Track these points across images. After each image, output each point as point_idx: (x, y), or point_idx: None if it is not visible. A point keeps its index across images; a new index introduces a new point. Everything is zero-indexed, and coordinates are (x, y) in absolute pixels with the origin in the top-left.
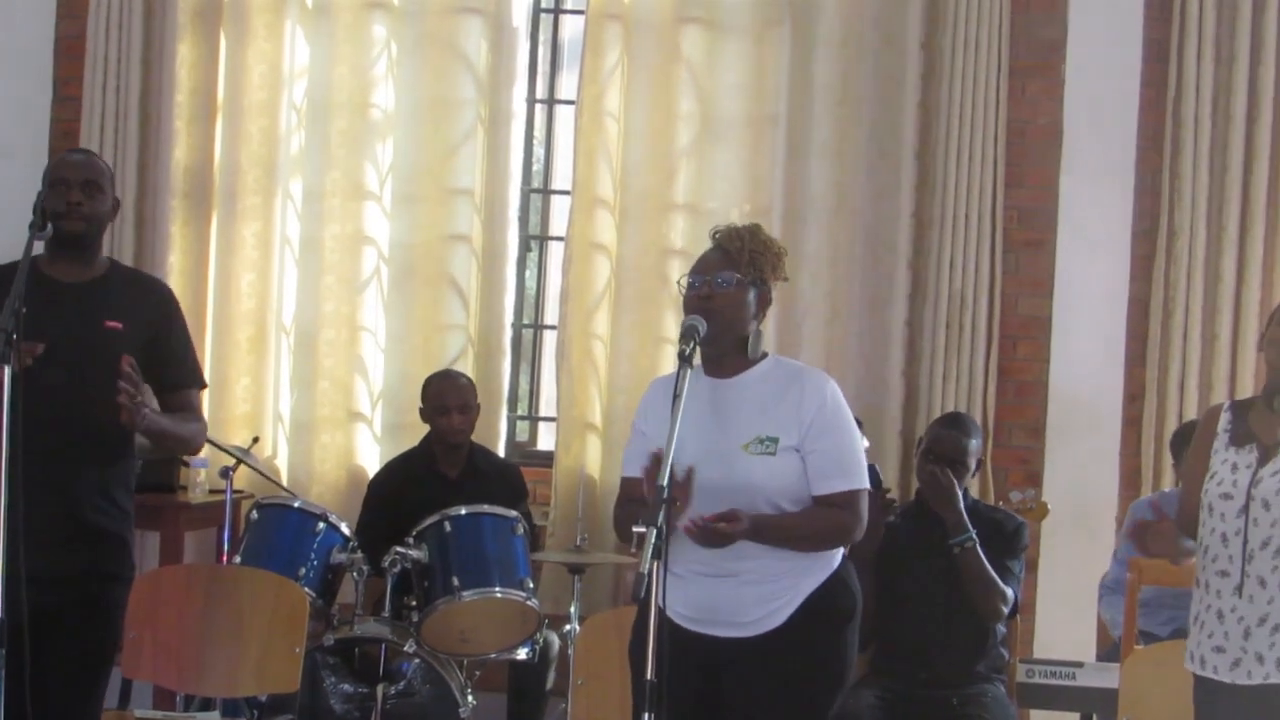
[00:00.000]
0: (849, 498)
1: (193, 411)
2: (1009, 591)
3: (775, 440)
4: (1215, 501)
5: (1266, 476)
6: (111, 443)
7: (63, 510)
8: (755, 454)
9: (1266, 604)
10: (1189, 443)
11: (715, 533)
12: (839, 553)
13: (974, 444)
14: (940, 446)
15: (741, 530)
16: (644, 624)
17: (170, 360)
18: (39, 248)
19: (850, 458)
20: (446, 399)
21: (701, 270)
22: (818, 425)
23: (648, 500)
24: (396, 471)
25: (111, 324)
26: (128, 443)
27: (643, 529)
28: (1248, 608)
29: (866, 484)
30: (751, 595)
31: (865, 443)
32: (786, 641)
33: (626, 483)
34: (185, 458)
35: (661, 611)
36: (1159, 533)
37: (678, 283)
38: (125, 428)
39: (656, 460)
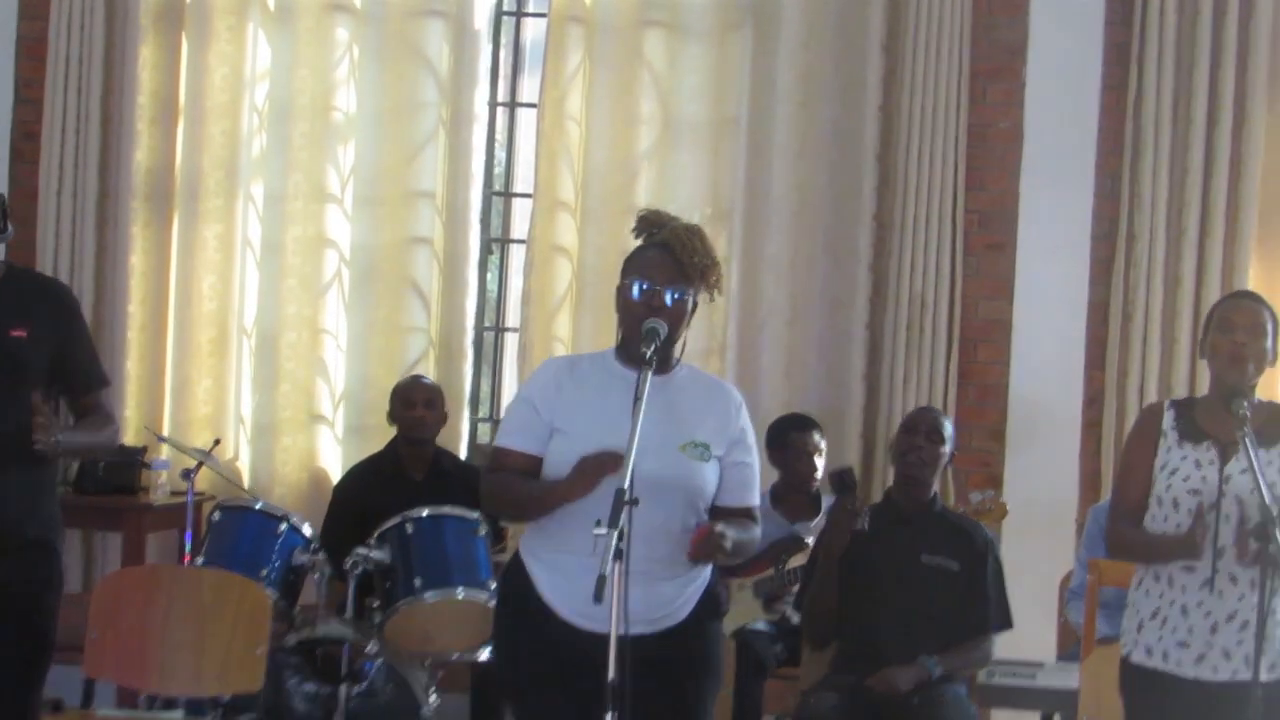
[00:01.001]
0: (754, 512)
1: (103, 413)
2: (989, 647)
3: (708, 447)
4: (1182, 497)
5: (1236, 474)
6: (28, 451)
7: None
8: (691, 457)
9: (1237, 600)
10: None
11: (713, 547)
12: None
13: (948, 424)
14: (918, 421)
15: (730, 544)
16: (520, 629)
17: (78, 366)
18: None
19: (757, 475)
20: (413, 394)
21: (652, 277)
22: (742, 443)
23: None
24: (362, 475)
25: (16, 332)
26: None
27: (602, 531)
28: (1217, 603)
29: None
30: (662, 593)
31: (823, 444)
32: (684, 638)
33: (503, 454)
34: (146, 460)
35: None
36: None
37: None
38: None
39: (611, 460)
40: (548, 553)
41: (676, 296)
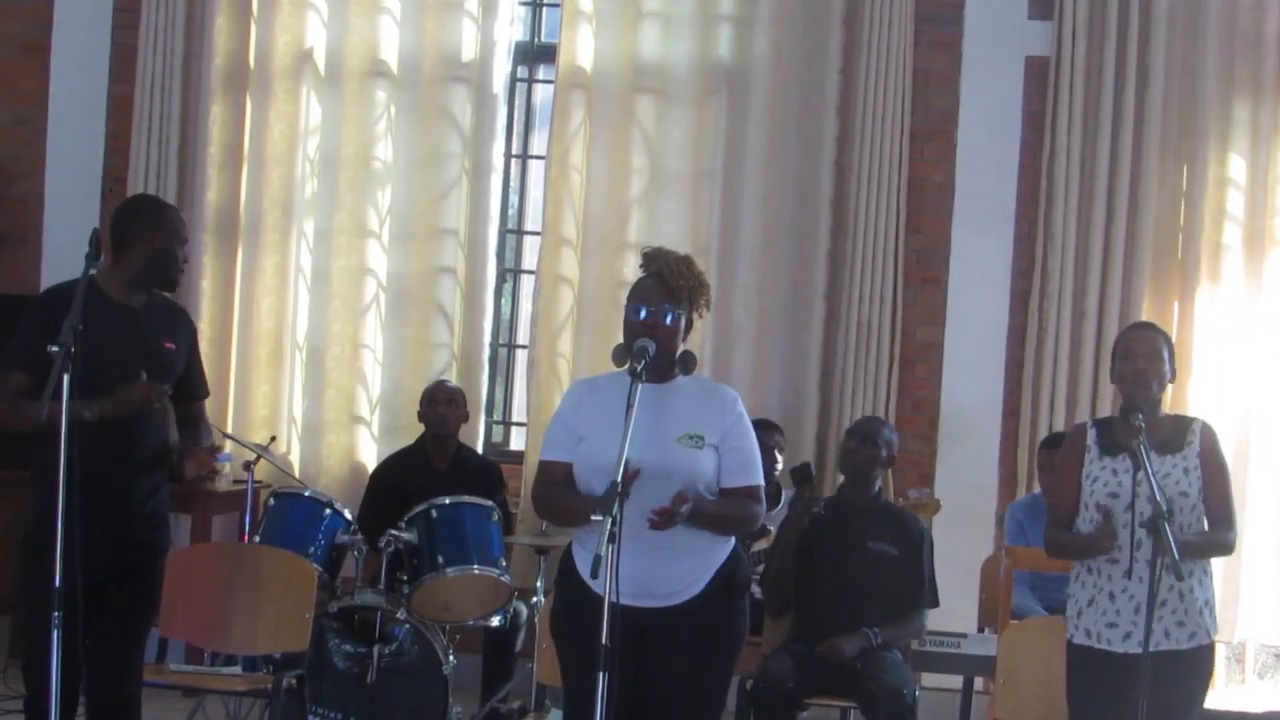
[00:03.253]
0: (755, 491)
1: (205, 420)
2: (922, 621)
3: (702, 438)
4: (1104, 500)
5: (1144, 478)
6: (165, 445)
7: (129, 495)
8: (686, 447)
9: (1159, 582)
10: (1051, 448)
11: (669, 514)
12: None
13: (886, 431)
14: (859, 427)
15: (688, 509)
16: (568, 602)
17: (194, 375)
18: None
19: (755, 460)
20: (437, 394)
21: (646, 300)
22: (735, 432)
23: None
24: (394, 465)
25: (168, 344)
26: (168, 443)
27: (599, 517)
28: (1137, 587)
29: (764, 481)
30: (677, 569)
31: (783, 442)
32: (701, 609)
33: (546, 466)
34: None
35: (615, 585)
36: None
37: (632, 310)
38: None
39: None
40: (581, 538)
41: (671, 315)
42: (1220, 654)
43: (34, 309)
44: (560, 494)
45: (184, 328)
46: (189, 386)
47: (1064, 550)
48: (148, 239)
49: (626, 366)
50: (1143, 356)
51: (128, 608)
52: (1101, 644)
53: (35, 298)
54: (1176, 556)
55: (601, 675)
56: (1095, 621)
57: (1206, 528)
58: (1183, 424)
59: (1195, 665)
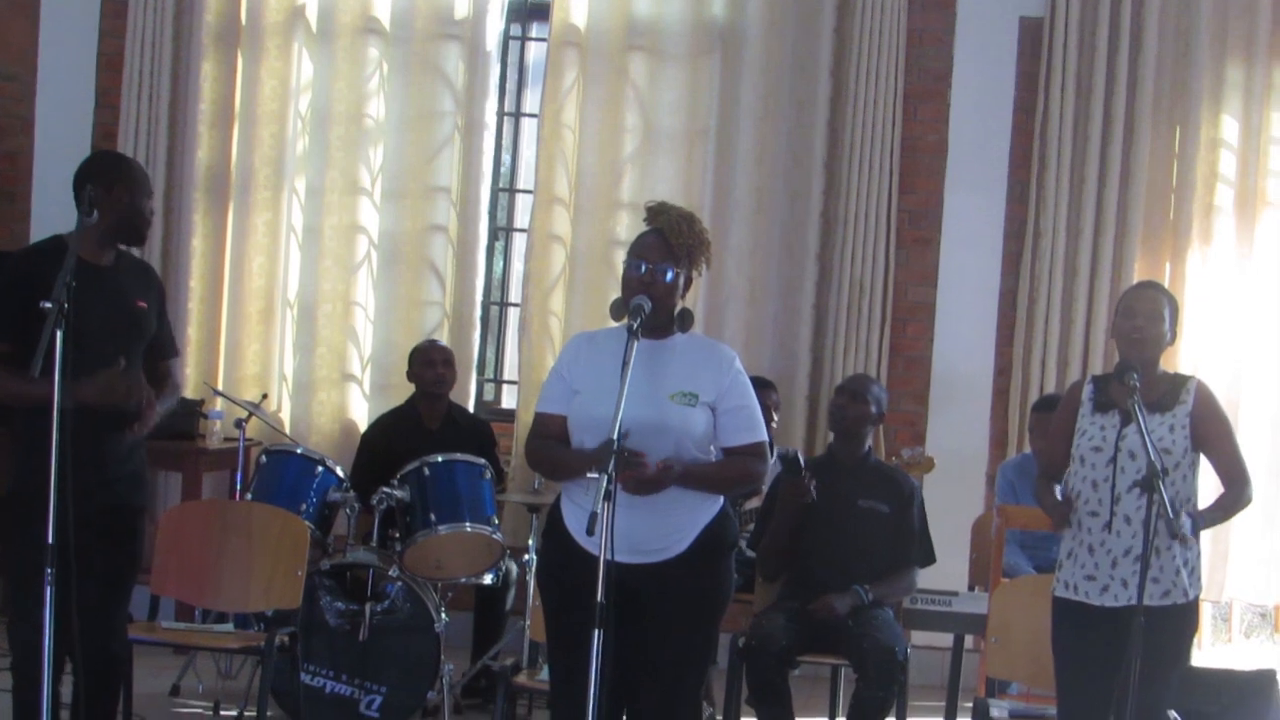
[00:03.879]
0: (758, 448)
1: (172, 382)
2: (913, 578)
3: (696, 396)
4: (1087, 454)
5: (1130, 434)
6: (139, 405)
7: (103, 456)
8: (679, 404)
9: (1131, 538)
10: (1043, 410)
11: (651, 480)
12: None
13: (876, 388)
14: (849, 385)
15: (674, 476)
16: (556, 557)
17: (163, 333)
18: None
19: (756, 417)
20: (432, 354)
21: (644, 256)
22: (733, 391)
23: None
24: (386, 424)
25: (140, 303)
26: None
27: (595, 475)
28: (1115, 541)
29: (766, 437)
30: (662, 525)
31: (777, 399)
32: (687, 567)
33: (540, 418)
34: (203, 410)
35: (611, 543)
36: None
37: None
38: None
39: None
40: (570, 494)
41: (670, 274)
42: (1207, 613)
43: (5, 274)
44: (552, 448)
45: (154, 285)
46: (158, 344)
47: (1042, 506)
48: (120, 194)
49: (623, 322)
50: (1142, 315)
51: (108, 569)
52: (1079, 596)
53: (5, 263)
54: (1170, 515)
55: (597, 632)
56: (1074, 574)
57: (1188, 487)
58: (1178, 382)
59: (1169, 623)
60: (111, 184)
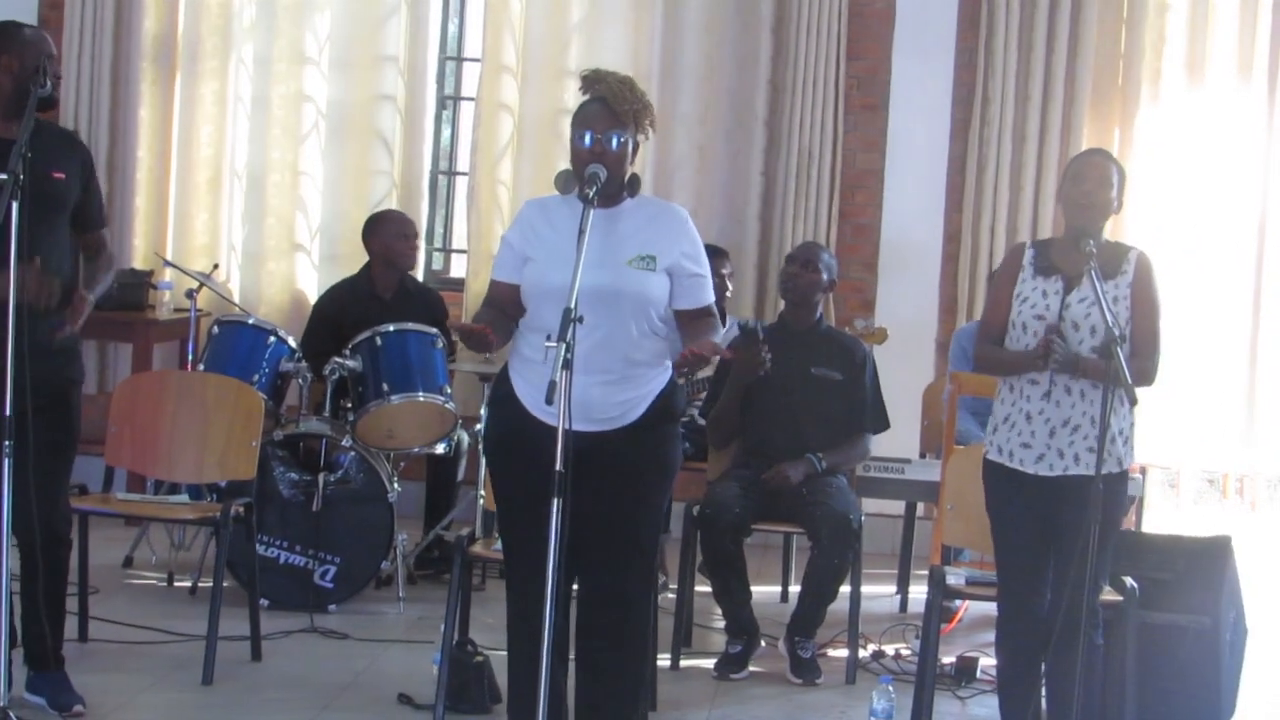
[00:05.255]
0: (711, 309)
1: (106, 250)
2: (866, 445)
3: (654, 259)
4: (1029, 321)
5: (1074, 302)
6: (67, 275)
7: (31, 333)
8: (637, 269)
9: (1070, 409)
10: None
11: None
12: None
13: (826, 256)
14: (799, 253)
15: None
16: (504, 426)
17: (91, 203)
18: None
19: (708, 279)
20: (407, 229)
21: (590, 125)
22: (689, 255)
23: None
24: (338, 294)
25: (56, 174)
26: (76, 274)
27: (552, 344)
28: (1054, 411)
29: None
30: (616, 394)
31: (729, 269)
32: (638, 435)
33: (492, 284)
34: (153, 281)
35: (568, 412)
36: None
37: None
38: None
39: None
40: (521, 363)
41: (619, 140)
42: (1156, 480)
43: None
44: (489, 315)
45: (76, 155)
46: (85, 215)
47: (993, 366)
48: (7, 63)
49: (576, 192)
50: (1091, 180)
51: (45, 444)
52: (1014, 463)
53: None
54: (1129, 381)
55: (555, 501)
56: (1009, 440)
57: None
58: (1120, 251)
59: (1106, 490)
60: (3, 53)
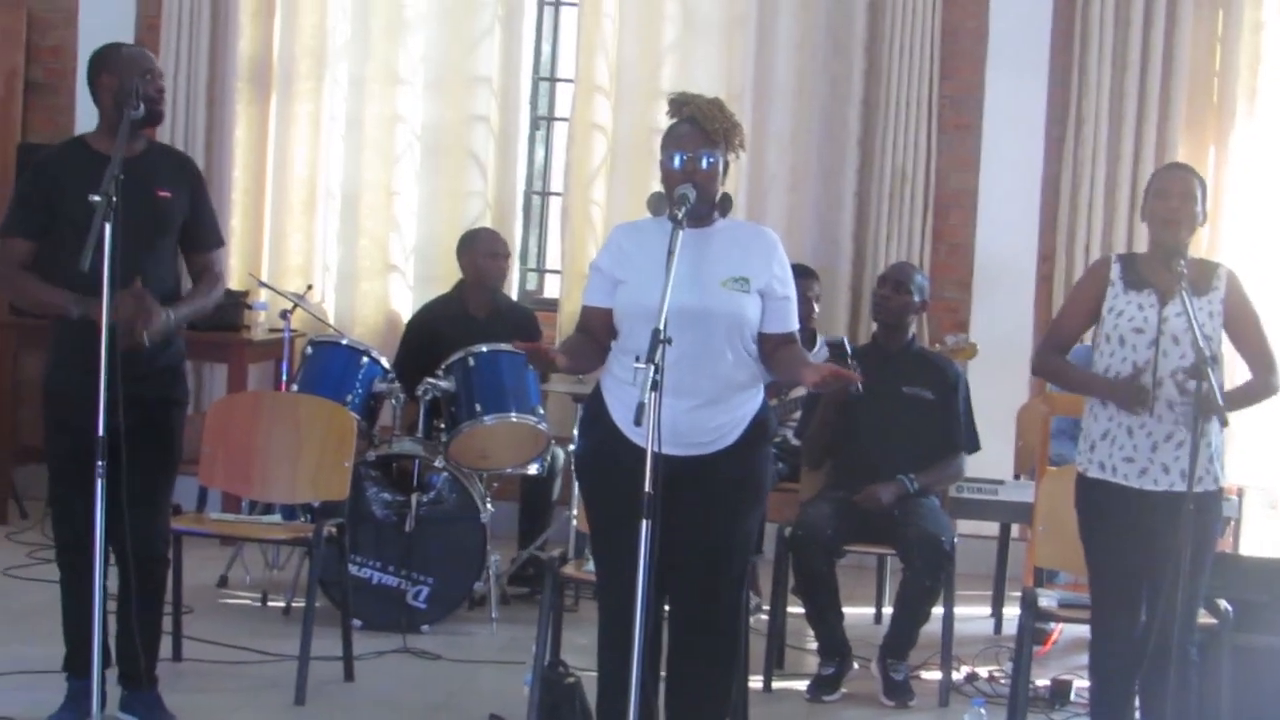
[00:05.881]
0: (795, 335)
1: (213, 273)
2: (960, 465)
3: (747, 280)
4: (1127, 334)
5: (1171, 316)
6: (167, 295)
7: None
8: (731, 290)
9: (1172, 424)
10: None
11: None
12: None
13: (919, 277)
14: (892, 274)
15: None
16: (598, 447)
17: (201, 224)
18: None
19: (795, 306)
20: (497, 246)
21: (682, 147)
22: (780, 279)
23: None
24: (432, 313)
25: (163, 193)
26: (177, 294)
27: (641, 365)
28: (1156, 425)
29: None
30: (712, 418)
31: (818, 289)
32: (733, 458)
33: (584, 310)
34: (248, 302)
35: (658, 434)
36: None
37: (669, 159)
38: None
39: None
40: (614, 384)
41: (709, 160)
42: (1255, 500)
43: (28, 173)
44: (575, 340)
45: (185, 175)
46: (195, 236)
47: (1062, 378)
48: (108, 82)
49: (666, 214)
50: (1176, 196)
51: (146, 465)
52: (1117, 478)
53: (29, 164)
54: (1220, 401)
55: (645, 523)
56: (1111, 455)
57: (1219, 372)
58: (1207, 268)
59: (1202, 508)
60: (97, 75)
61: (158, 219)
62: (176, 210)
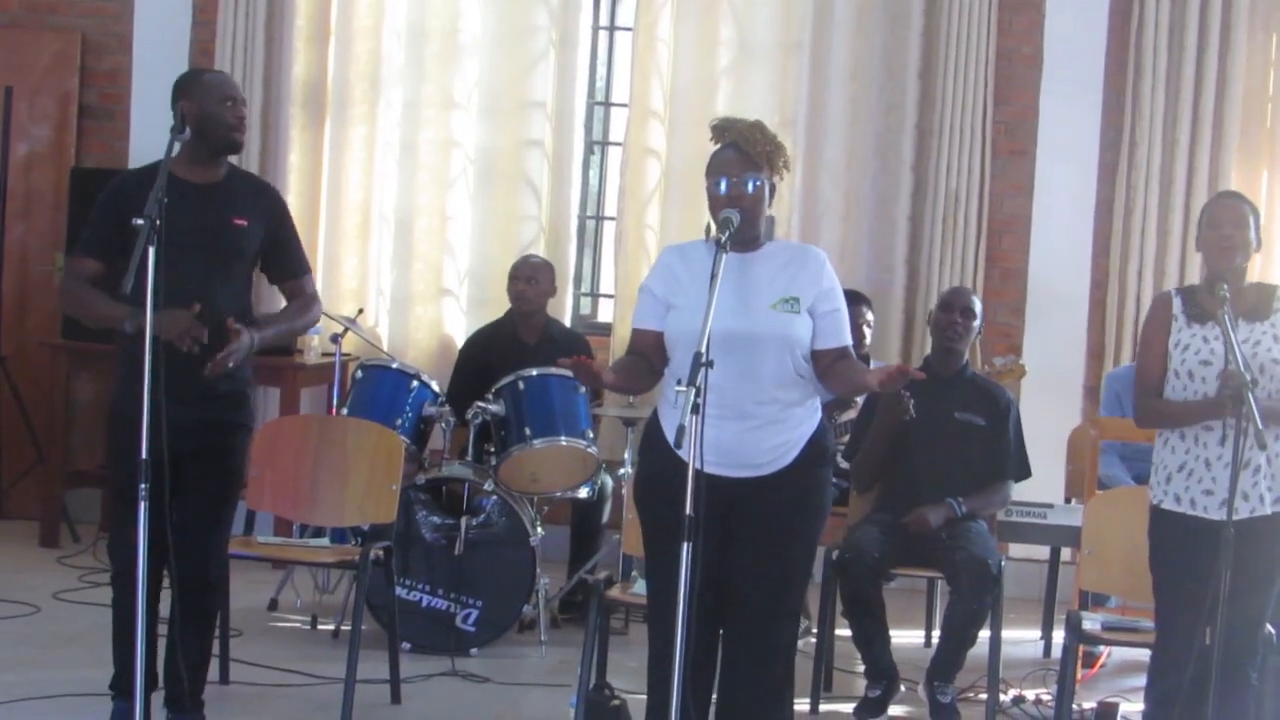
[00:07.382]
0: (849, 350)
1: (304, 296)
2: (1007, 492)
3: (798, 300)
4: (1195, 368)
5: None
6: (240, 317)
7: (199, 373)
8: (782, 311)
9: (1247, 450)
10: None
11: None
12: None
13: (977, 302)
14: (951, 299)
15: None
16: (656, 470)
17: (285, 252)
18: (174, 149)
19: (845, 320)
20: (519, 271)
21: (726, 172)
22: (829, 295)
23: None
24: (483, 339)
25: (238, 221)
26: (248, 319)
27: (682, 388)
28: (1231, 454)
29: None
30: (767, 439)
31: (871, 316)
32: (790, 479)
33: (634, 333)
34: None
35: (699, 455)
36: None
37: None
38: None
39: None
40: (668, 408)
41: (754, 184)
42: None
43: (103, 196)
44: (625, 360)
45: (265, 204)
46: (281, 263)
47: (1165, 418)
48: (188, 108)
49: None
50: (1229, 224)
51: (208, 488)
52: (1196, 510)
53: (105, 185)
54: (1260, 425)
55: (686, 545)
56: (1189, 488)
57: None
58: (1267, 291)
59: (1265, 534)
60: (178, 100)
61: (230, 246)
62: (251, 238)
